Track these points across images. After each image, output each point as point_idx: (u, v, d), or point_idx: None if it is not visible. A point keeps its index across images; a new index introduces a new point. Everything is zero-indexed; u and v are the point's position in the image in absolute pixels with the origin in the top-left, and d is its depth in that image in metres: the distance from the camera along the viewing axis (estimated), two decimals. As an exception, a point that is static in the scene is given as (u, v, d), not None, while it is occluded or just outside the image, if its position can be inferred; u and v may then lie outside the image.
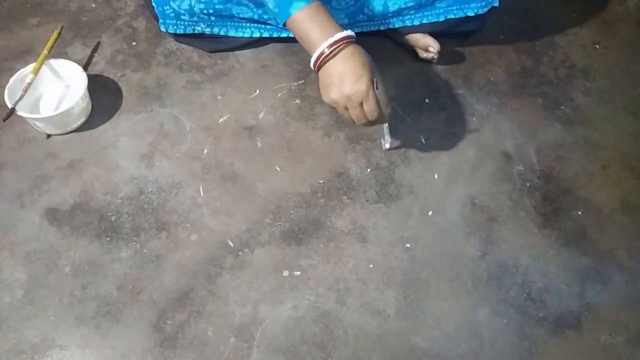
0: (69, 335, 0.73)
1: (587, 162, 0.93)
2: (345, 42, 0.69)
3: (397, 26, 0.99)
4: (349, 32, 0.70)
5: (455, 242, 0.83)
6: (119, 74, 0.99)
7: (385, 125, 0.85)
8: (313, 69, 0.72)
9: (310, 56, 0.71)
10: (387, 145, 0.89)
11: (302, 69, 1.01)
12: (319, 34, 0.69)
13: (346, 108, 0.71)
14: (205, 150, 0.91)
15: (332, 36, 0.69)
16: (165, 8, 0.93)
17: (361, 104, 0.70)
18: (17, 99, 0.85)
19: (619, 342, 0.77)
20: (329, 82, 0.70)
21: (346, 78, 0.68)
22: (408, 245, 0.83)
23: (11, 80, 0.88)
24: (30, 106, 0.90)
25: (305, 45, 0.72)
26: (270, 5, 0.73)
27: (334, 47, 0.69)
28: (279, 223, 0.84)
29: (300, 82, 0.99)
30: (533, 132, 0.96)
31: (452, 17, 0.96)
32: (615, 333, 0.77)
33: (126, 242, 0.81)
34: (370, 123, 0.73)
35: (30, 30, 1.04)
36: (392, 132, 0.94)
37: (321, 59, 0.70)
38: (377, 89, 0.71)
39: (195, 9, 0.92)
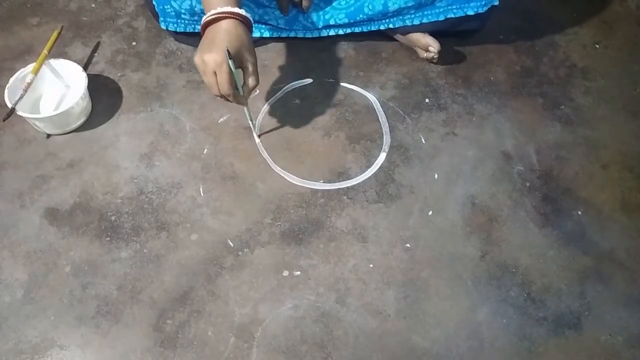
0: (69, 335, 0.73)
1: (587, 162, 0.93)
2: (230, 17, 0.72)
3: (397, 26, 0.99)
4: (241, 12, 0.73)
5: (455, 242, 0.83)
6: (119, 74, 0.99)
7: (246, 108, 0.85)
8: (200, 32, 0.76)
9: None
10: (256, 132, 0.90)
11: (302, 69, 1.01)
12: (216, 2, 0.73)
13: (205, 74, 0.73)
14: (205, 150, 0.91)
15: (223, 7, 0.72)
16: (166, 7, 0.93)
17: (214, 73, 0.72)
18: (17, 98, 0.86)
19: (619, 342, 0.77)
20: (200, 45, 0.73)
21: (210, 45, 0.71)
22: (408, 245, 0.83)
23: (11, 80, 0.88)
24: (30, 106, 0.90)
25: (204, 8, 0.75)
26: None
27: (218, 16, 0.72)
28: (279, 223, 0.84)
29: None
30: (533, 132, 0.96)
31: (452, 16, 0.96)
32: (615, 333, 0.77)
33: (126, 242, 0.81)
34: (225, 98, 0.76)
35: (30, 30, 1.04)
36: (392, 132, 0.94)
37: (204, 22, 0.73)
38: (243, 70, 0.75)
39: (196, 8, 0.92)
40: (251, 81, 0.76)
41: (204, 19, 0.73)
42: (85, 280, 0.77)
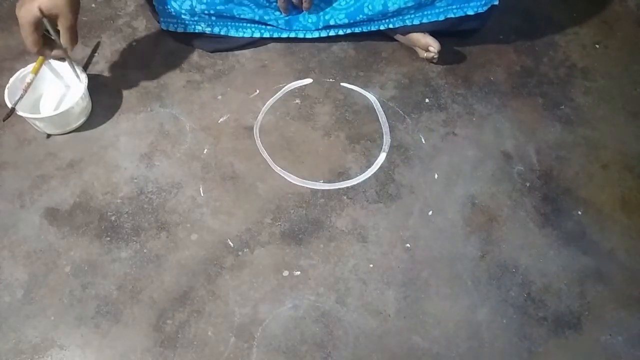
0: (69, 335, 0.73)
1: (587, 162, 0.93)
2: None
3: (397, 26, 0.99)
4: None
5: (455, 242, 0.83)
6: (119, 74, 0.99)
7: (69, 61, 0.87)
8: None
9: None
10: (82, 79, 0.90)
11: (302, 69, 1.01)
12: None
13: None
14: (205, 150, 0.91)
15: None
16: (166, 7, 0.93)
17: (25, 25, 0.75)
18: (17, 98, 0.85)
19: (619, 342, 0.77)
20: None
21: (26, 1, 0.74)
22: (408, 245, 0.83)
23: (11, 80, 0.88)
24: (30, 106, 0.90)
25: None
26: None
27: None
28: (279, 223, 0.84)
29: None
30: (533, 132, 0.96)
31: (452, 16, 0.96)
32: (615, 333, 0.77)
33: (126, 242, 0.81)
34: (38, 51, 0.80)
35: (30, 30, 1.04)
36: (392, 132, 0.94)
37: None
38: (54, 31, 0.79)
39: (196, 9, 0.92)
40: (63, 41, 0.80)
41: None
42: (85, 280, 0.77)
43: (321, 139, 0.93)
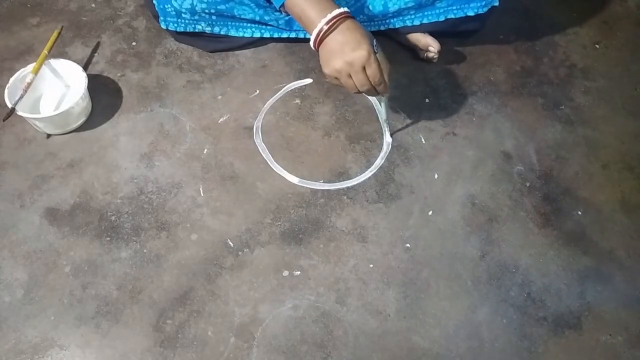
0: (69, 335, 0.73)
1: (587, 162, 0.93)
2: (343, 17, 0.72)
3: (397, 26, 0.99)
4: (345, 9, 0.73)
5: (455, 242, 0.83)
6: (119, 74, 0.99)
7: (383, 100, 0.86)
8: (313, 48, 0.75)
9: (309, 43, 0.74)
10: (388, 133, 0.90)
11: (302, 69, 1.01)
12: (316, 12, 0.72)
13: (349, 76, 0.73)
14: (205, 150, 0.91)
15: (330, 13, 0.72)
16: (166, 6, 0.93)
17: (364, 68, 0.72)
18: (17, 98, 0.86)
19: (619, 342, 0.77)
20: (330, 54, 0.72)
21: (347, 47, 0.71)
22: (408, 245, 0.83)
23: (11, 80, 0.88)
24: (30, 106, 0.90)
25: (304, 26, 0.75)
26: None
27: (332, 22, 0.71)
28: (279, 223, 0.84)
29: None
30: (533, 132, 0.96)
31: (452, 16, 0.96)
32: (615, 333, 0.77)
33: (126, 242, 0.81)
34: (374, 90, 0.75)
35: (30, 30, 1.04)
36: (392, 132, 0.94)
37: (320, 35, 0.72)
38: (377, 54, 0.74)
39: (197, 8, 0.92)
40: (385, 64, 0.75)
41: (317, 31, 0.72)
42: (85, 280, 0.77)
43: (321, 139, 0.93)
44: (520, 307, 0.78)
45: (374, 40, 0.74)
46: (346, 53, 0.71)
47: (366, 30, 0.73)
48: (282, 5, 0.76)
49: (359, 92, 0.76)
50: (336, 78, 0.74)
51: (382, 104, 0.87)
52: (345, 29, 0.72)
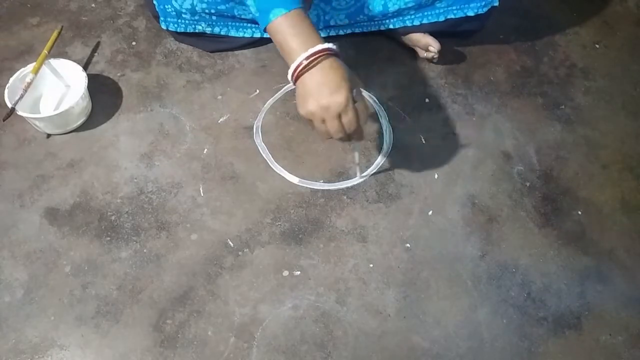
0: (69, 335, 0.73)
1: (587, 162, 0.93)
2: (325, 54, 0.66)
3: (397, 26, 0.99)
4: (330, 45, 0.67)
5: (455, 242, 0.83)
6: (119, 74, 0.99)
7: (357, 153, 0.85)
8: (290, 80, 0.69)
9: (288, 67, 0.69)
10: (358, 174, 0.87)
11: (302, 69, 1.01)
12: (298, 43, 0.67)
13: (323, 121, 0.68)
14: (205, 150, 0.91)
15: (312, 47, 0.66)
16: (166, 7, 0.93)
17: (339, 115, 0.67)
18: (17, 98, 0.86)
19: (619, 342, 0.77)
20: (306, 93, 0.67)
21: (324, 89, 0.66)
22: (408, 245, 0.83)
23: (11, 80, 0.88)
24: (30, 106, 0.90)
25: (283, 54, 0.69)
26: (252, 10, 0.71)
27: (313, 58, 0.66)
28: (279, 223, 0.84)
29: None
30: (533, 132, 0.96)
31: (452, 17, 0.96)
32: (615, 333, 0.77)
33: (126, 242, 0.81)
34: (347, 137, 0.71)
35: (30, 30, 1.04)
36: (392, 132, 0.94)
37: (299, 70, 0.67)
38: (355, 102, 0.69)
39: (197, 8, 0.92)
40: (364, 111, 0.70)
41: (295, 65, 0.66)
42: (85, 280, 0.77)
43: (321, 139, 0.93)
44: (520, 307, 0.78)
45: (359, 84, 0.69)
46: (323, 96, 0.65)
47: (349, 71, 0.68)
48: (265, 29, 0.70)
49: (331, 137, 0.70)
50: (310, 120, 0.69)
51: (356, 152, 0.85)
52: (327, 67, 0.66)
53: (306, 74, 0.67)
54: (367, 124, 0.94)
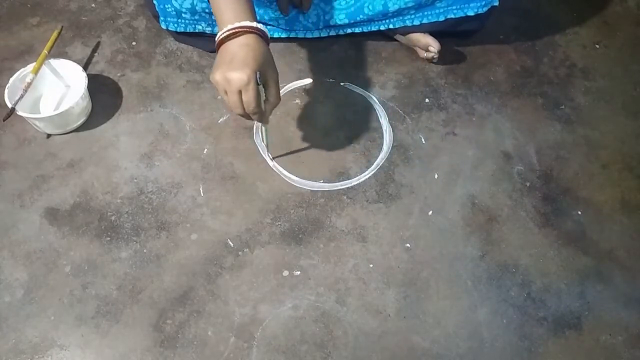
0: (69, 335, 0.73)
1: (587, 162, 0.93)
2: (249, 31, 0.69)
3: (397, 26, 0.99)
4: (257, 25, 0.70)
5: (455, 242, 0.83)
6: (119, 74, 0.99)
7: (264, 128, 0.84)
8: (215, 47, 0.72)
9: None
10: (267, 155, 0.88)
11: (302, 69, 1.01)
12: (228, 16, 0.70)
13: (225, 93, 0.70)
14: (205, 150, 0.91)
15: (241, 22, 0.69)
16: (166, 6, 0.93)
17: (239, 92, 0.68)
18: (17, 98, 0.85)
19: (619, 342, 0.77)
20: (218, 62, 0.69)
21: (232, 63, 0.68)
22: (408, 245, 0.83)
23: (11, 80, 0.88)
24: (30, 106, 0.90)
25: (217, 22, 0.72)
26: None
27: (235, 30, 0.69)
28: (279, 223, 0.84)
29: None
30: (533, 132, 0.96)
31: (452, 16, 0.96)
32: (615, 333, 0.77)
33: (126, 242, 0.81)
34: (247, 116, 0.72)
35: (30, 30, 1.04)
36: (392, 132, 0.94)
37: (221, 37, 0.70)
38: (265, 86, 0.71)
39: (197, 7, 0.92)
40: (273, 98, 0.73)
41: (220, 34, 0.70)
42: (85, 280, 0.77)
43: (321, 139, 0.93)
44: (520, 307, 0.78)
45: (270, 71, 0.71)
46: (228, 69, 0.67)
47: (266, 56, 0.70)
48: None
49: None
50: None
51: (263, 129, 0.85)
52: (243, 43, 0.68)
53: (225, 44, 0.69)
54: (367, 124, 0.95)
